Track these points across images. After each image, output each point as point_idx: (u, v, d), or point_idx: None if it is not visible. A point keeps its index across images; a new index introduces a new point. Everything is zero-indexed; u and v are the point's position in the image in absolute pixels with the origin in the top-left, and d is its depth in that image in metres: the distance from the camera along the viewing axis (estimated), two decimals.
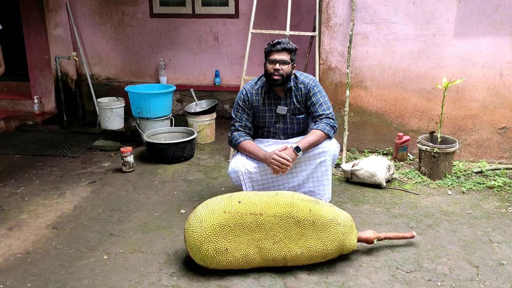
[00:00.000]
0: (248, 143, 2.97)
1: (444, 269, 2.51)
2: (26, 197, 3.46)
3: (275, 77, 2.88)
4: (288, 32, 4.22)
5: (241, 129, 3.04)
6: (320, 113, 2.95)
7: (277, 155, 2.76)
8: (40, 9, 5.30)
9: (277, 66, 2.85)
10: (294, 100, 3.01)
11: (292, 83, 2.99)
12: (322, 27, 4.18)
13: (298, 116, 3.05)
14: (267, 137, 3.14)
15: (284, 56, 2.87)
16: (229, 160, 4.26)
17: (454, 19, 3.90)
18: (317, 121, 2.95)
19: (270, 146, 3.05)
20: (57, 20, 5.55)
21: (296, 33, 4.32)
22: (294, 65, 2.95)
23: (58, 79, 5.56)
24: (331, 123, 2.92)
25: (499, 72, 3.93)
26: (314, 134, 2.87)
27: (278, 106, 3.02)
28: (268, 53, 2.92)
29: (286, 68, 2.87)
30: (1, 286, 2.37)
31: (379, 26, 4.04)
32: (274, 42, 2.89)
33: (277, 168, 2.78)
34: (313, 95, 2.97)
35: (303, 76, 3.02)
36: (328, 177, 2.93)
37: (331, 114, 2.96)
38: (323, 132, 2.87)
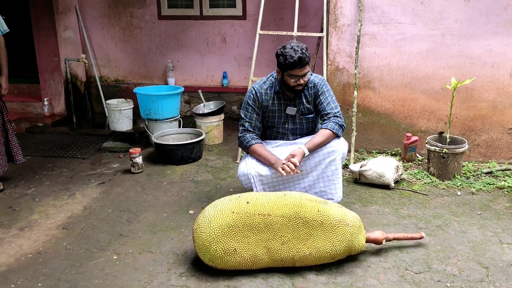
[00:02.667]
0: (259, 146, 2.96)
1: (453, 270, 2.49)
2: (36, 198, 3.50)
3: (300, 88, 2.91)
4: (295, 33, 4.22)
5: (251, 130, 3.03)
6: (328, 111, 2.95)
7: (287, 165, 2.75)
8: (49, 12, 5.35)
9: (301, 81, 2.86)
10: (304, 101, 3.00)
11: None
12: (330, 28, 4.17)
13: (307, 116, 3.05)
14: (276, 137, 3.13)
15: (306, 69, 2.86)
16: (237, 161, 4.27)
17: (462, 19, 3.88)
18: (325, 120, 2.94)
19: (278, 147, 3.04)
20: (67, 22, 5.60)
21: (304, 34, 4.33)
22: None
23: (68, 81, 5.61)
24: (339, 122, 2.91)
25: (508, 72, 3.90)
26: (321, 135, 2.86)
27: (288, 107, 3.01)
28: (289, 68, 2.81)
29: (307, 77, 2.89)
30: (12, 286, 2.40)
31: (387, 26, 4.03)
32: (295, 58, 2.76)
33: (283, 172, 2.77)
34: (321, 94, 2.97)
35: (312, 76, 3.01)
36: (339, 176, 2.92)
37: (339, 113, 2.95)
38: (332, 131, 2.87)
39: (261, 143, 3.01)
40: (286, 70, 2.83)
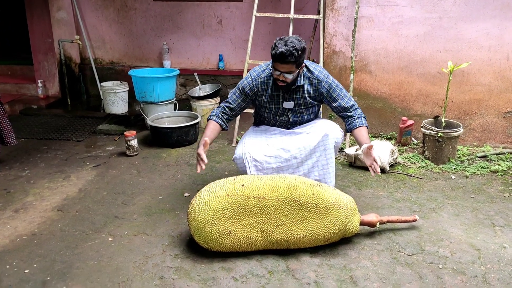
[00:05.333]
0: (211, 124, 2.90)
1: (445, 252, 2.52)
2: (31, 180, 3.50)
3: (280, 84, 2.79)
4: (292, 15, 4.17)
5: (224, 111, 2.95)
6: (346, 106, 2.89)
7: (199, 154, 2.68)
8: None
9: (281, 77, 2.74)
10: (306, 95, 2.90)
11: (303, 81, 2.86)
12: (327, 10, 4.13)
13: (309, 109, 2.97)
14: (274, 125, 3.10)
15: (288, 68, 2.70)
16: (233, 145, 4.27)
17: (460, 1, 3.85)
18: (348, 116, 2.90)
19: (277, 135, 3.00)
20: (60, 3, 5.51)
21: (300, 16, 4.28)
22: (303, 63, 2.80)
23: (62, 63, 5.55)
24: (363, 115, 2.90)
25: (505, 56, 3.89)
26: (365, 132, 2.82)
27: (285, 102, 2.93)
28: (272, 59, 2.73)
29: (290, 77, 2.73)
30: (8, 266, 2.41)
31: (384, 8, 4.00)
32: (277, 52, 2.62)
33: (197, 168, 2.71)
34: (333, 91, 2.88)
35: (317, 71, 2.88)
36: (333, 164, 2.91)
37: (354, 103, 2.93)
38: (366, 127, 2.87)
39: (219, 124, 2.92)
40: (272, 60, 2.75)
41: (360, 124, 2.86)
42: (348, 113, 2.90)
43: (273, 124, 3.08)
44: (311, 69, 2.88)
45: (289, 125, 3.04)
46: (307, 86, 2.89)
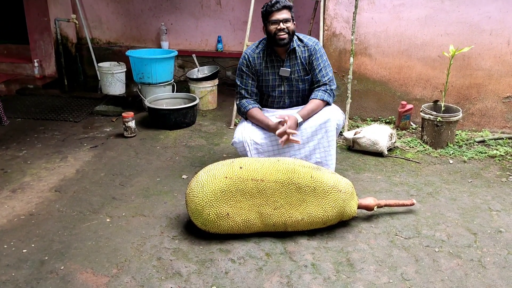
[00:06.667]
0: (257, 110, 2.95)
1: (442, 235, 2.53)
2: (28, 161, 3.48)
3: (282, 36, 2.83)
4: None
5: (248, 96, 3.00)
6: (319, 79, 2.95)
7: (286, 131, 2.75)
8: None
9: (281, 25, 2.81)
10: (299, 61, 2.96)
11: (295, 44, 2.94)
12: None
13: (304, 77, 3.00)
14: (272, 103, 3.09)
15: (286, 14, 2.82)
16: (231, 127, 4.25)
17: None
18: (314, 89, 2.96)
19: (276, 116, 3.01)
20: None
21: None
22: (295, 22, 2.91)
23: (58, 43, 5.48)
24: (327, 89, 2.92)
25: (506, 40, 3.85)
26: (312, 103, 2.88)
27: (281, 68, 2.96)
28: (267, 14, 2.85)
29: (290, 25, 2.84)
30: (5, 246, 2.41)
31: None
32: (272, 1, 2.82)
33: (284, 140, 2.77)
34: (315, 60, 2.95)
35: (306, 39, 2.98)
36: (334, 146, 2.91)
37: (329, 80, 2.95)
38: (321, 100, 2.89)
39: (258, 107, 2.99)
40: (267, 18, 2.84)
41: (315, 97, 2.90)
42: (316, 86, 2.97)
43: (271, 102, 3.09)
44: (301, 37, 2.99)
45: (285, 99, 3.04)
46: (299, 52, 2.96)
